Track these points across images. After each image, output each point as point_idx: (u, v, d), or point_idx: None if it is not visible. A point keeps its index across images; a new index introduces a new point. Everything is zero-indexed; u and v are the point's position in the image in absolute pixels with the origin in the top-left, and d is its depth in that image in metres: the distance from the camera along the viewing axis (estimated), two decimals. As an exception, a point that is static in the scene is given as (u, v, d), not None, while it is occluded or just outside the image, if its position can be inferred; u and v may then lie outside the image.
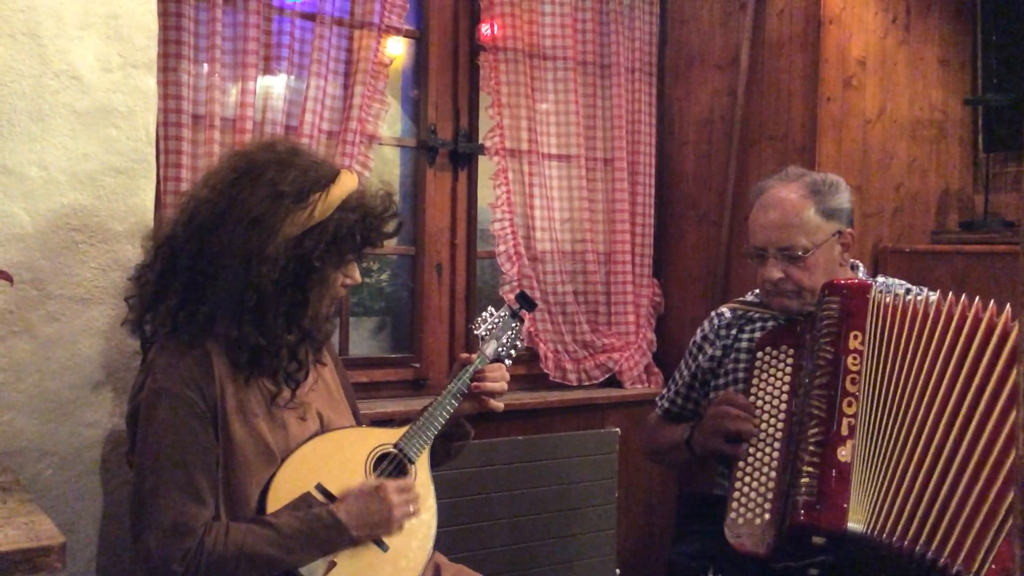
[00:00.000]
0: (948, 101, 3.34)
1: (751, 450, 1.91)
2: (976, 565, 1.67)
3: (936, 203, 3.31)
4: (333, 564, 1.67)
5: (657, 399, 2.39)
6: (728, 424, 1.94)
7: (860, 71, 3.11)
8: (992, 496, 1.70)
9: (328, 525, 1.66)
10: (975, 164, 3.38)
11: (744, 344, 2.16)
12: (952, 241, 3.19)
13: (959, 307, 1.86)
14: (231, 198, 1.68)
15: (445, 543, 1.99)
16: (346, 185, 1.75)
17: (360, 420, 2.03)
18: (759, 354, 2.01)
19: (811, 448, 1.79)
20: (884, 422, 1.81)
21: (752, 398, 1.97)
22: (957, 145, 3.37)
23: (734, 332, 2.19)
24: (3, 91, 1.90)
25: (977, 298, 1.87)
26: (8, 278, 1.80)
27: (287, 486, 1.69)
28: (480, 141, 3.06)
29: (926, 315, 1.88)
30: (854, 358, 1.85)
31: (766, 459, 1.87)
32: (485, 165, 3.08)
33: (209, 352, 1.69)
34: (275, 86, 2.60)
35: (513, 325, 2.12)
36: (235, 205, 1.67)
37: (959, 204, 3.36)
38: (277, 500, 1.68)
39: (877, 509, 1.74)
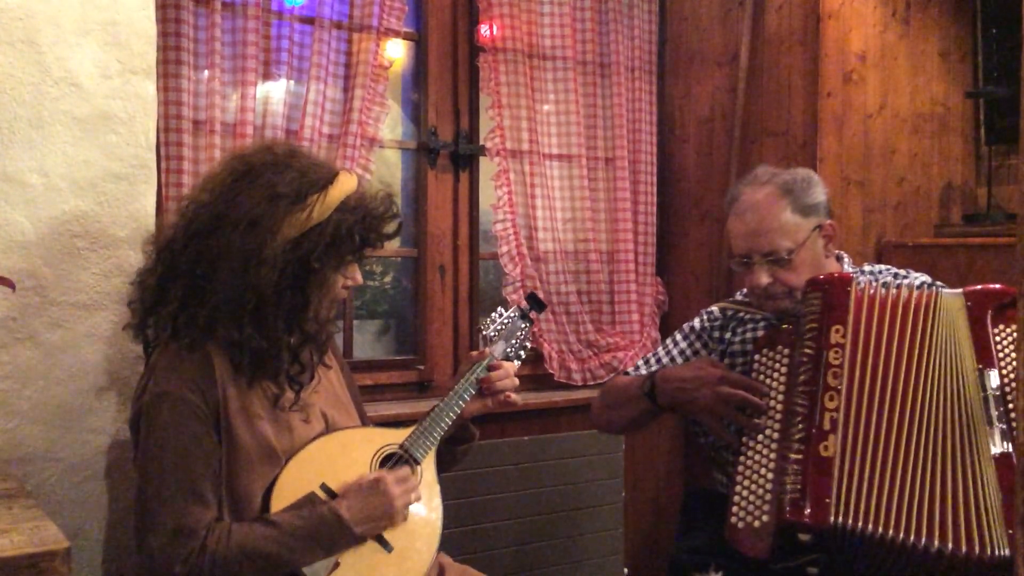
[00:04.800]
0: (949, 94, 3.33)
1: (749, 452, 1.90)
2: (966, 543, 1.69)
3: (939, 197, 3.31)
4: (337, 564, 1.67)
5: (632, 371, 2.31)
6: (738, 416, 1.93)
7: (860, 66, 3.10)
8: (979, 479, 1.73)
9: (330, 522, 1.66)
10: (977, 157, 3.37)
11: (736, 347, 2.15)
12: (955, 234, 3.18)
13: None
14: (229, 201, 1.68)
15: (451, 544, 1.99)
16: (345, 186, 1.75)
17: (367, 422, 2.03)
18: (756, 356, 2.00)
19: (795, 445, 1.79)
20: (866, 414, 1.80)
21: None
22: (959, 138, 3.36)
23: (727, 335, 2.18)
24: (3, 99, 1.90)
25: None
26: (10, 285, 1.81)
27: (291, 486, 1.69)
28: (481, 142, 3.07)
29: (907, 305, 1.88)
30: (836, 352, 1.84)
31: (763, 460, 1.86)
32: (486, 166, 3.08)
33: (211, 354, 1.69)
34: (275, 90, 2.60)
35: (522, 326, 2.11)
36: (233, 207, 1.67)
37: (962, 197, 3.35)
38: (281, 500, 1.68)
39: (863, 502, 1.73)
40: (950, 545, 1.68)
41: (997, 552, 1.67)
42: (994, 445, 1.76)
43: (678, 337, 2.29)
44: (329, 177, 1.74)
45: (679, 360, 2.25)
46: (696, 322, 2.27)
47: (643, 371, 2.28)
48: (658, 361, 2.29)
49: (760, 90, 3.17)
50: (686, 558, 2.05)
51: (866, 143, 3.13)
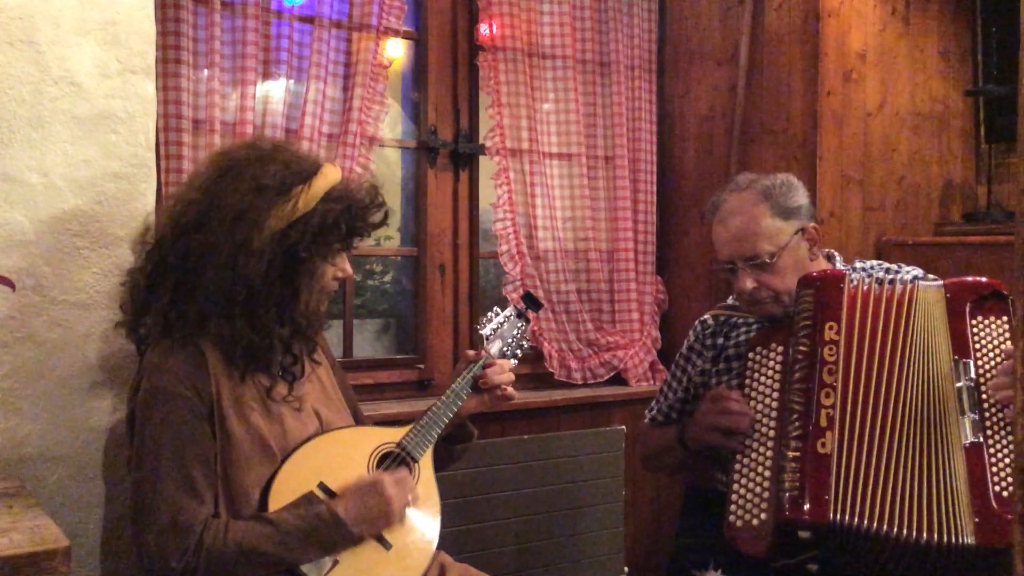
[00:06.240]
0: (949, 93, 3.33)
1: (746, 451, 1.90)
2: (935, 530, 1.71)
3: (939, 195, 3.31)
4: (336, 562, 1.67)
5: (647, 412, 2.37)
6: (723, 420, 1.94)
7: (860, 64, 3.10)
8: (950, 469, 1.76)
9: (328, 522, 1.66)
10: (977, 155, 3.38)
11: (731, 351, 2.15)
12: (955, 233, 3.18)
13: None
14: (214, 195, 1.70)
15: (451, 543, 2.00)
16: (329, 177, 1.76)
17: (362, 421, 2.04)
18: (750, 355, 2.01)
19: (792, 443, 1.80)
20: (862, 410, 1.81)
21: (745, 399, 1.96)
22: (959, 137, 3.36)
23: (720, 340, 2.19)
24: (3, 98, 1.90)
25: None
26: (10, 284, 1.81)
27: (289, 484, 1.70)
28: (481, 141, 3.07)
29: (901, 300, 1.89)
30: (830, 349, 1.85)
31: (760, 459, 1.87)
32: (486, 165, 3.08)
33: (203, 349, 1.70)
34: (274, 90, 2.60)
35: (519, 325, 2.12)
36: (219, 202, 1.68)
37: (962, 196, 3.35)
38: (280, 498, 1.68)
39: (860, 498, 1.74)
40: (936, 536, 1.71)
41: (961, 540, 1.70)
42: (965, 435, 1.78)
43: (673, 368, 2.31)
44: (313, 169, 1.75)
45: (680, 393, 2.27)
46: (684, 346, 2.29)
47: (659, 416, 2.32)
48: (665, 397, 2.31)
49: (760, 88, 3.17)
50: (686, 556, 2.06)
51: (866, 141, 3.13)
